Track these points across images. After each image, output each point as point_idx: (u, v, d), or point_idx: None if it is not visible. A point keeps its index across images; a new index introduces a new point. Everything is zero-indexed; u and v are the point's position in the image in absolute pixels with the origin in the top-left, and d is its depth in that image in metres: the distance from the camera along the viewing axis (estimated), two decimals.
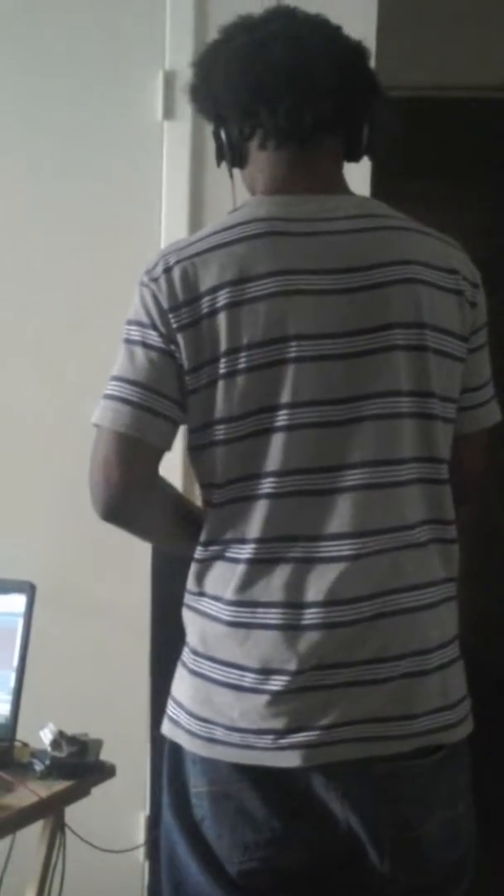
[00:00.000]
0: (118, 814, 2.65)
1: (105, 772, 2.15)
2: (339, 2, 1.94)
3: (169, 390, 1.57)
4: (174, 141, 2.67)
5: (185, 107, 2.63)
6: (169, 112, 2.67)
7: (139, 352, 1.58)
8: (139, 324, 1.59)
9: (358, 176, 1.73)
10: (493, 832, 3.38)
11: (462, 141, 4.66)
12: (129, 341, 1.59)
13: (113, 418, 1.57)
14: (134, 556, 2.53)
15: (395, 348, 1.58)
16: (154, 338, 1.57)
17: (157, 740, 1.90)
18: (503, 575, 5.56)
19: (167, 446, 1.60)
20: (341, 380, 1.57)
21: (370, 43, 1.73)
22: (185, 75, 2.34)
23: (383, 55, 1.75)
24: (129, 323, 1.60)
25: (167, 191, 2.68)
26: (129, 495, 1.59)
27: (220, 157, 1.70)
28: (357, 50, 1.67)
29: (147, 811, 2.68)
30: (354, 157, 1.71)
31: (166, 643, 2.56)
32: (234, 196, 1.69)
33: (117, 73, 2.71)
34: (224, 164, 1.71)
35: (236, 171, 1.71)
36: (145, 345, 1.58)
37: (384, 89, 1.68)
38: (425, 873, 1.63)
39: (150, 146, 2.69)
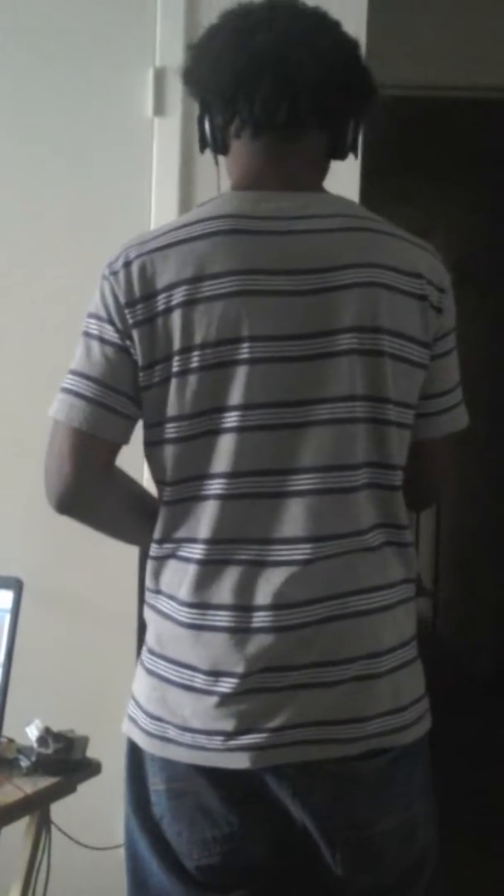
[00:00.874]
0: (104, 811, 2.64)
1: (91, 769, 2.15)
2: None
3: (124, 386, 1.57)
4: (164, 137, 2.67)
5: (175, 103, 2.66)
6: (159, 108, 2.67)
7: (96, 346, 1.58)
8: (97, 317, 1.59)
9: (347, 174, 1.72)
10: (473, 826, 3.40)
11: (452, 140, 4.67)
12: (87, 335, 1.59)
13: (68, 413, 1.57)
14: (121, 553, 2.52)
15: (350, 352, 1.56)
16: (110, 333, 1.57)
17: None
18: (487, 577, 5.58)
19: (123, 440, 1.60)
20: (295, 383, 1.55)
21: (360, 41, 1.71)
22: (176, 71, 2.35)
23: (373, 54, 1.74)
24: (89, 316, 1.60)
25: (157, 187, 2.68)
26: (82, 489, 1.59)
27: (202, 144, 1.69)
28: (350, 46, 1.65)
29: None
30: (340, 155, 1.68)
31: None
32: (219, 184, 1.67)
33: (107, 70, 2.71)
34: (209, 153, 1.69)
35: (221, 159, 1.68)
36: (102, 339, 1.57)
37: (377, 88, 1.66)
38: (380, 874, 1.62)
39: (140, 142, 2.69)
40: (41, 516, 2.72)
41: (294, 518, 1.55)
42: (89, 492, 1.61)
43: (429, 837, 1.68)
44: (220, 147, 1.66)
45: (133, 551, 2.54)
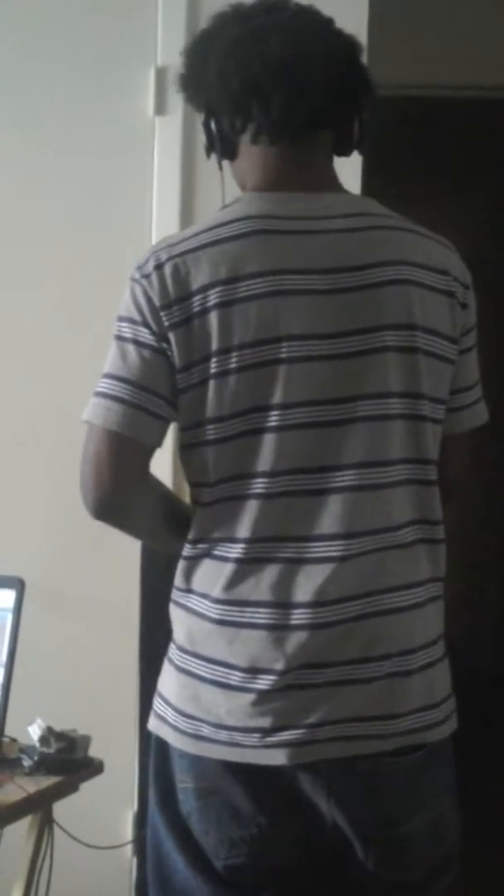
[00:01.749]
0: (106, 810, 2.65)
1: (93, 768, 2.15)
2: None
3: (161, 388, 1.56)
4: (165, 136, 2.67)
5: (176, 102, 2.64)
6: (160, 108, 2.67)
7: (131, 349, 1.57)
8: (131, 321, 1.58)
9: (349, 173, 1.72)
10: (485, 825, 3.40)
11: (454, 140, 4.67)
12: (120, 338, 1.58)
13: (105, 416, 1.56)
14: (123, 552, 2.52)
15: (386, 349, 1.58)
16: (146, 335, 1.56)
17: (146, 737, 1.89)
18: (494, 575, 5.58)
19: (158, 444, 1.60)
20: (332, 381, 1.56)
21: (361, 41, 1.71)
22: (177, 71, 2.34)
23: (374, 53, 1.74)
24: (121, 320, 1.59)
25: (158, 186, 2.68)
26: (121, 493, 1.59)
27: (209, 149, 1.69)
28: (350, 44, 1.66)
29: (135, 808, 2.68)
30: (345, 152, 1.69)
31: (155, 640, 2.55)
32: (224, 188, 1.68)
33: (109, 69, 2.71)
34: (214, 157, 1.69)
35: (225, 164, 1.69)
36: (137, 342, 1.57)
37: (375, 85, 1.67)
38: (409, 870, 1.63)
39: (142, 142, 2.69)
40: (43, 516, 2.75)
41: (332, 515, 1.56)
42: (127, 496, 1.60)
43: (455, 835, 1.69)
44: (228, 152, 1.66)
45: (135, 551, 2.55)
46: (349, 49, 1.66)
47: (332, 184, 1.67)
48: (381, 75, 1.68)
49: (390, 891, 1.63)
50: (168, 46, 2.63)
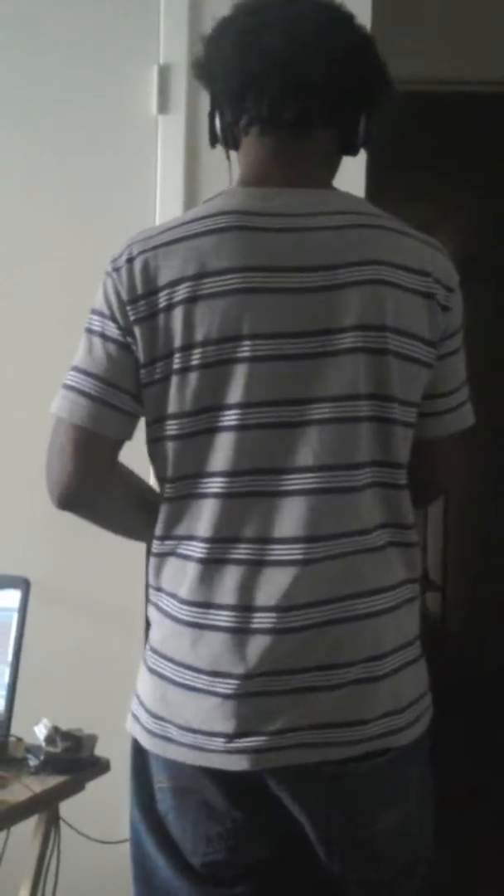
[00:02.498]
0: (112, 809, 2.64)
1: (99, 767, 2.15)
2: None
3: (125, 384, 1.57)
4: (168, 135, 2.67)
5: (179, 101, 2.65)
6: (163, 106, 2.66)
7: (98, 343, 1.58)
8: (100, 314, 1.58)
9: (352, 170, 1.71)
10: (481, 820, 3.40)
11: (458, 135, 4.66)
12: (89, 331, 1.59)
13: (70, 410, 1.57)
14: (128, 552, 2.52)
15: (355, 350, 1.55)
16: (112, 329, 1.57)
17: None
18: (496, 571, 5.58)
19: (125, 437, 1.60)
20: (296, 381, 1.54)
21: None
22: (180, 69, 2.34)
23: (379, 47, 1.72)
24: (92, 312, 1.60)
25: (161, 184, 2.67)
26: (84, 486, 1.60)
27: (213, 139, 1.68)
28: (364, 41, 1.63)
29: None
30: (351, 151, 1.67)
31: None
32: (231, 179, 1.66)
33: (112, 68, 2.71)
34: (219, 149, 1.68)
35: (233, 154, 1.67)
36: (104, 336, 1.57)
37: (392, 82, 1.64)
38: (376, 870, 1.63)
39: (145, 140, 2.68)
40: (48, 516, 2.72)
41: (294, 517, 1.54)
42: (91, 489, 1.61)
43: (424, 835, 1.68)
44: (231, 142, 1.65)
45: (140, 550, 2.53)
46: (359, 44, 1.62)
47: (321, 181, 1.64)
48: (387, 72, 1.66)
49: (359, 889, 1.63)
50: (171, 44, 2.63)
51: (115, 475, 1.64)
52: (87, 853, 2.30)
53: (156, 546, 1.62)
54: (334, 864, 1.60)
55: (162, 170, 2.68)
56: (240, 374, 1.53)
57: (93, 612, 2.71)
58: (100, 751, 2.15)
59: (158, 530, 1.61)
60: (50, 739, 2.10)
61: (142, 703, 1.63)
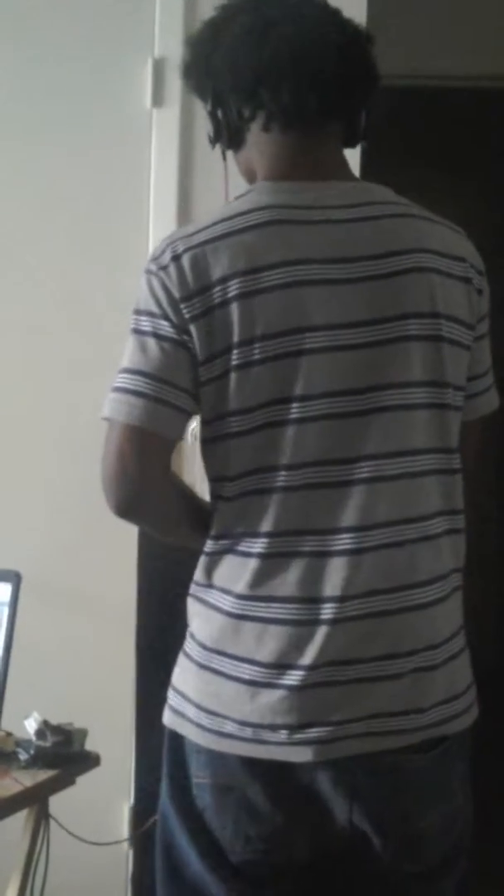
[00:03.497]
0: (103, 803, 2.65)
1: (90, 761, 2.15)
2: None
3: (182, 381, 1.54)
4: (163, 128, 2.66)
5: (174, 94, 2.64)
6: (158, 99, 2.66)
7: (151, 342, 1.54)
8: (150, 314, 1.55)
9: (349, 163, 1.71)
10: (488, 819, 3.40)
11: (454, 130, 4.66)
12: (139, 332, 1.55)
13: (127, 412, 1.53)
14: (120, 546, 2.52)
15: (409, 338, 1.57)
16: (166, 328, 1.54)
17: (142, 730, 1.92)
18: (494, 564, 5.59)
19: (180, 437, 1.58)
20: (355, 370, 1.55)
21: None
22: (175, 63, 2.33)
23: (375, 43, 1.72)
24: (139, 313, 1.56)
25: (156, 178, 2.67)
26: (146, 489, 1.56)
27: (216, 138, 1.67)
28: (360, 34, 1.65)
29: (132, 801, 2.68)
30: (351, 143, 1.69)
31: (151, 633, 2.57)
32: (227, 179, 1.67)
33: (106, 61, 2.70)
34: (218, 149, 1.68)
35: (229, 154, 1.68)
36: (157, 335, 1.54)
37: (380, 76, 1.65)
38: (423, 861, 1.63)
39: (139, 133, 2.68)
40: (39, 509, 2.74)
41: (355, 506, 1.54)
42: (152, 492, 1.58)
43: (467, 824, 1.70)
44: (235, 142, 1.65)
45: (132, 545, 2.54)
46: (360, 39, 1.64)
47: (343, 173, 1.65)
48: (380, 65, 1.67)
49: (405, 881, 1.64)
50: (166, 38, 2.62)
51: (170, 478, 1.62)
52: (76, 849, 2.30)
53: (209, 545, 1.60)
54: (387, 854, 1.60)
55: (156, 163, 2.67)
56: (300, 366, 1.53)
57: (84, 607, 2.71)
58: (90, 745, 2.15)
59: (215, 529, 1.59)
60: (40, 733, 2.09)
61: (187, 699, 1.61)
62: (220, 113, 1.64)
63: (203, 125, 1.71)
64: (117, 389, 1.55)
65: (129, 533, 2.32)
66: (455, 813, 1.66)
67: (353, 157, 1.75)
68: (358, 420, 1.55)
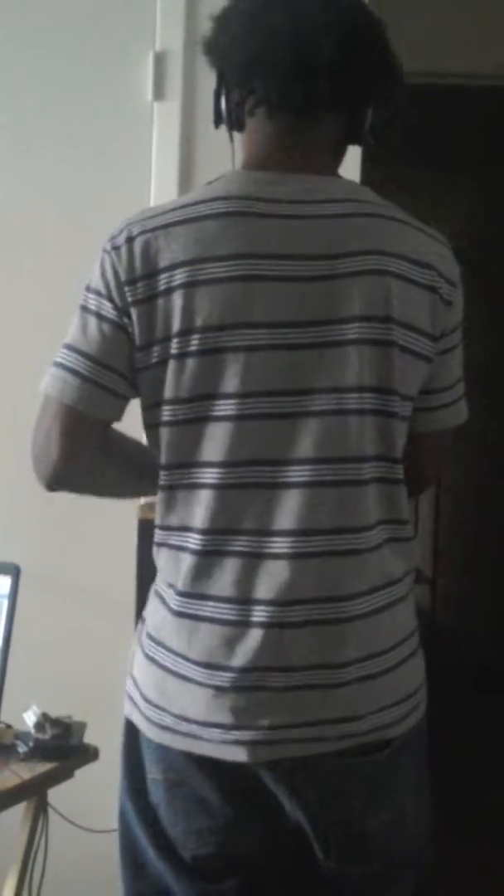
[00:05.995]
0: (101, 797, 2.64)
1: (88, 754, 2.15)
2: None
3: (119, 365, 1.54)
4: (164, 121, 2.66)
5: (175, 88, 2.64)
6: (159, 93, 2.65)
7: (93, 323, 1.54)
8: (97, 293, 1.55)
9: (347, 160, 1.70)
10: (470, 813, 3.41)
11: (455, 128, 4.65)
12: (84, 309, 1.56)
13: (61, 388, 1.54)
14: (119, 539, 2.52)
15: (358, 342, 1.52)
16: (109, 309, 1.53)
17: None
18: (486, 563, 5.59)
19: (115, 418, 1.57)
20: (295, 371, 1.51)
21: None
22: (176, 56, 2.32)
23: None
24: (88, 290, 1.56)
25: (156, 171, 2.66)
26: (70, 468, 1.57)
27: (217, 118, 1.64)
28: (370, 25, 1.59)
29: None
30: (356, 140, 1.64)
31: None
32: (234, 161, 1.63)
33: (107, 54, 2.70)
34: (215, 136, 1.66)
35: (236, 135, 1.64)
36: (99, 315, 1.54)
37: (402, 74, 1.60)
38: (371, 865, 1.61)
39: (140, 127, 2.68)
40: (39, 501, 2.73)
41: (295, 510, 1.51)
42: (77, 471, 1.58)
43: (421, 832, 1.66)
44: (236, 123, 1.62)
45: (131, 537, 2.54)
46: (373, 35, 1.59)
47: (327, 168, 1.61)
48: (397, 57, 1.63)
49: (354, 883, 1.62)
50: (167, 31, 2.62)
51: (105, 452, 1.60)
52: (75, 841, 2.30)
53: (157, 534, 1.59)
54: (331, 859, 1.59)
55: (157, 156, 2.67)
56: (237, 362, 1.50)
57: (83, 599, 2.71)
58: (89, 738, 2.15)
59: (157, 518, 1.58)
60: (39, 726, 2.10)
61: (138, 688, 1.61)
62: (223, 94, 1.62)
63: (203, 119, 1.71)
64: (56, 364, 1.56)
65: (128, 525, 2.32)
66: (405, 816, 1.62)
67: (352, 154, 1.73)
68: (294, 421, 1.52)
